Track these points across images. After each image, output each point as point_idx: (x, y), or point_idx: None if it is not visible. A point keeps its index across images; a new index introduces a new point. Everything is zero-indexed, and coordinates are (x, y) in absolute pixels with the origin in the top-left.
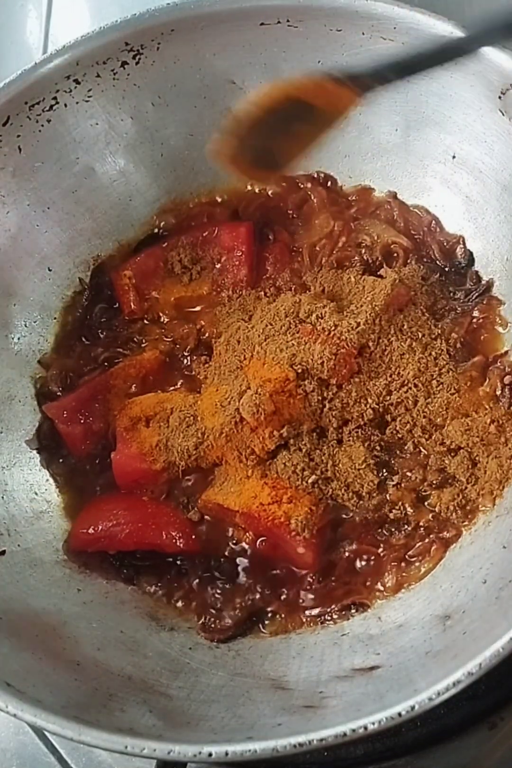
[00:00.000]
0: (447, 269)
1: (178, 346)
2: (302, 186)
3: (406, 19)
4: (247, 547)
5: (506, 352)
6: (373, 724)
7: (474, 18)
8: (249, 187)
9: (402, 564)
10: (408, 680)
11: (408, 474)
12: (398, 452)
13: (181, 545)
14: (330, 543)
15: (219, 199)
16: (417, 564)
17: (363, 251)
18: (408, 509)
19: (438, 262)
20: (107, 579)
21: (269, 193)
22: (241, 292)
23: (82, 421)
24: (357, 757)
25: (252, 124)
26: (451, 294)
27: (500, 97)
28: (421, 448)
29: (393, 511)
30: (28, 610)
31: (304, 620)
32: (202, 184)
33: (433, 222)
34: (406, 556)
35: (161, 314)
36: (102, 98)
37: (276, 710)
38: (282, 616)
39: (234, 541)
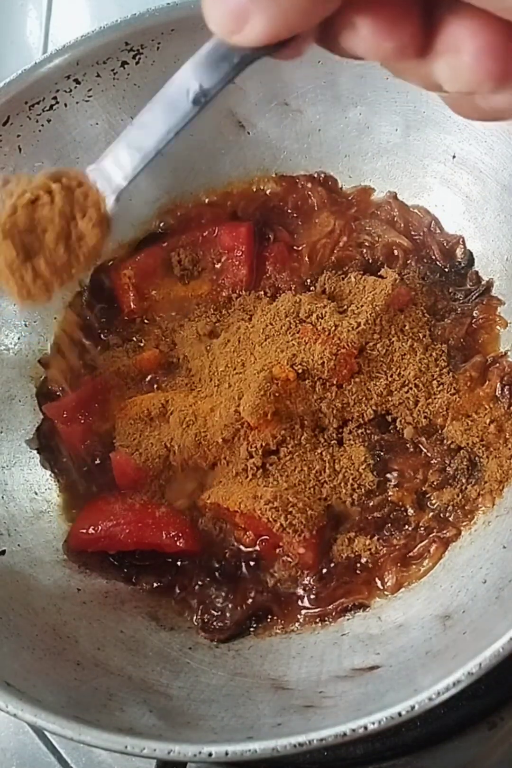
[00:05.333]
0: (447, 270)
1: (177, 346)
2: (302, 186)
3: None
4: (247, 547)
5: (506, 353)
6: (373, 724)
7: None
8: (249, 187)
9: (402, 564)
10: (408, 680)
11: (409, 474)
12: (398, 452)
13: (181, 545)
14: (330, 543)
15: (219, 199)
16: (417, 564)
17: (364, 251)
18: (409, 509)
19: (438, 262)
20: (107, 579)
21: (268, 192)
22: (240, 292)
23: (82, 421)
24: (357, 757)
25: None
26: (451, 294)
27: None
28: (421, 448)
29: (394, 511)
30: (28, 610)
31: (304, 620)
32: (202, 184)
33: (433, 222)
34: (406, 556)
35: (161, 314)
36: (102, 98)
37: (276, 710)
38: (282, 615)
39: (234, 541)
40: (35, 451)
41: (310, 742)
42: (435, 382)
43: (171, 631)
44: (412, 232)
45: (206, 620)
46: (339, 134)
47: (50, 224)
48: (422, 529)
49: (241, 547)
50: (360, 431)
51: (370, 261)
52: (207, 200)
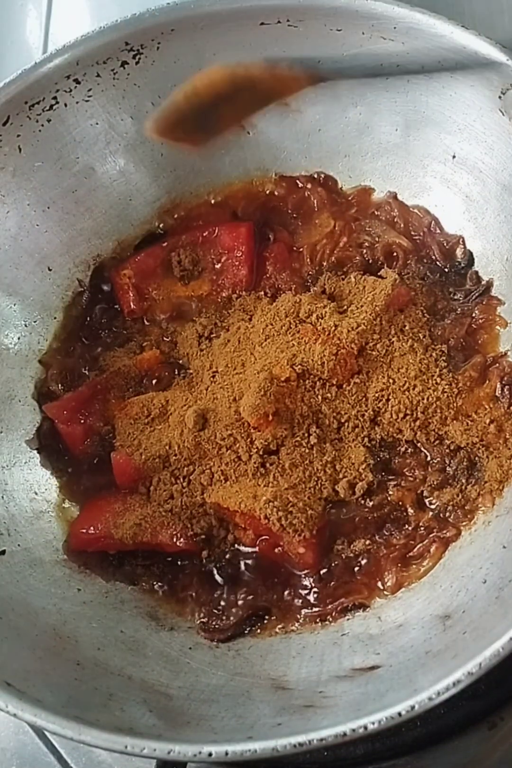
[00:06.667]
0: (447, 270)
1: (177, 346)
2: (302, 186)
3: (406, 19)
4: (247, 546)
5: (505, 353)
6: (373, 724)
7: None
8: (249, 187)
9: (402, 564)
10: (408, 680)
11: (408, 474)
12: (398, 452)
13: (181, 545)
14: (330, 543)
15: (219, 199)
16: (417, 564)
17: (364, 251)
18: (409, 509)
19: (438, 262)
20: (107, 579)
21: (268, 192)
22: (241, 293)
23: (82, 421)
24: (357, 757)
25: (193, 108)
26: (451, 294)
27: (500, 97)
28: (421, 448)
29: (394, 511)
30: (28, 610)
31: (304, 620)
32: (202, 184)
33: (433, 222)
34: (406, 556)
35: (161, 314)
36: (102, 98)
37: (277, 710)
38: (282, 615)
39: (234, 541)
40: (35, 451)
41: (310, 742)
42: (435, 382)
43: (171, 631)
44: (412, 232)
45: (206, 620)
46: (339, 134)
47: None
48: (422, 529)
49: (241, 547)
50: (360, 431)
51: (370, 261)
52: (207, 200)
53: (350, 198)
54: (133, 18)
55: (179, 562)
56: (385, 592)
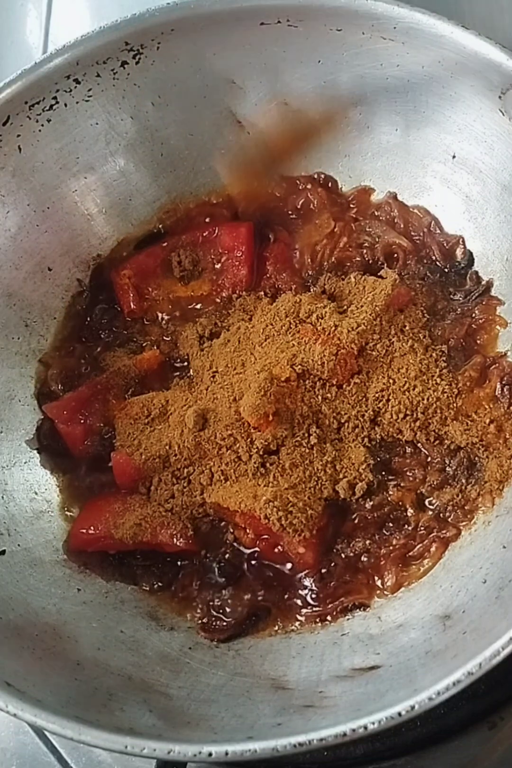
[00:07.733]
0: (447, 270)
1: (177, 346)
2: (302, 187)
3: (406, 19)
4: (247, 546)
5: (505, 353)
6: (373, 724)
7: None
8: (249, 187)
9: (402, 564)
10: (408, 680)
11: (409, 474)
12: (398, 452)
13: (181, 545)
14: (330, 543)
15: (219, 199)
16: (417, 564)
17: (364, 252)
18: (409, 509)
19: (438, 262)
20: (107, 579)
21: (267, 192)
22: (241, 293)
23: (82, 421)
24: (357, 757)
25: None
26: (451, 294)
27: (500, 97)
28: (421, 448)
29: (394, 511)
30: (28, 610)
31: (304, 620)
32: (202, 184)
33: (433, 223)
34: (406, 556)
35: (161, 314)
36: (102, 98)
37: (276, 710)
38: (282, 615)
39: (234, 541)
40: (35, 451)
41: (310, 742)
42: (435, 382)
43: (171, 631)
44: (412, 233)
45: (206, 620)
46: (339, 134)
47: None
48: (422, 529)
49: (241, 547)
50: (360, 431)
51: (370, 261)
52: (207, 200)
53: (350, 198)
54: (133, 18)
55: (179, 562)
56: (385, 592)
